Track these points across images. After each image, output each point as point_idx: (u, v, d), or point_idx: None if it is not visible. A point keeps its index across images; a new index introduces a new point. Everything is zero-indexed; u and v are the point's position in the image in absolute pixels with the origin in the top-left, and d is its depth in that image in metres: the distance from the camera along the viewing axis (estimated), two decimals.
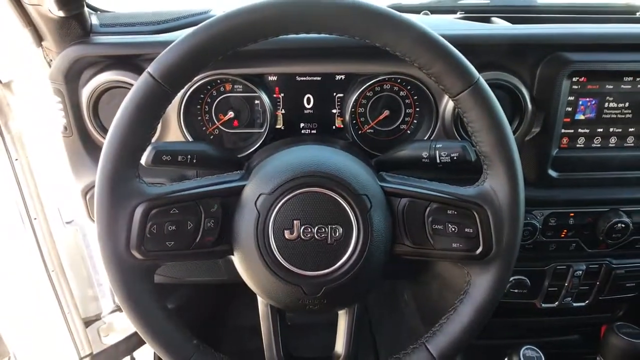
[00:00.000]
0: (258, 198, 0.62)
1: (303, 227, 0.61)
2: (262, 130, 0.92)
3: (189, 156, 0.74)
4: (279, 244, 0.61)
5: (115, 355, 1.36)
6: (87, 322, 1.35)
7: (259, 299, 0.68)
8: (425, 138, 0.91)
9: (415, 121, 0.93)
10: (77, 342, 1.33)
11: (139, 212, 0.60)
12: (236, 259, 0.65)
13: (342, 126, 0.93)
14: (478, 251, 0.63)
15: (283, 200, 0.61)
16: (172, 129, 0.88)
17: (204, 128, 0.93)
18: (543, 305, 1.05)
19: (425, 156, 0.75)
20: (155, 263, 0.63)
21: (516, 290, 1.01)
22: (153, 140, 0.76)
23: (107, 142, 0.58)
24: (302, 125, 0.94)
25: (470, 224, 0.63)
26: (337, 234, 0.61)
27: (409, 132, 0.94)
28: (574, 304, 1.06)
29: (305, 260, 0.61)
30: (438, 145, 0.74)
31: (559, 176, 0.90)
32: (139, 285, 0.62)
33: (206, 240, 0.63)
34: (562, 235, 0.94)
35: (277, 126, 0.93)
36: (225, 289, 1.63)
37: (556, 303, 1.05)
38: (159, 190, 0.62)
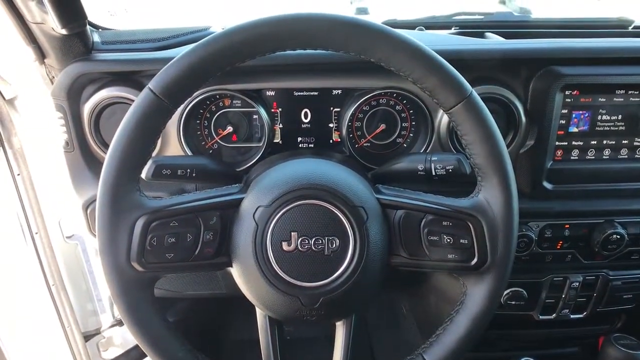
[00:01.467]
0: (256, 210, 0.63)
1: (300, 239, 0.62)
2: (261, 145, 0.93)
3: (188, 170, 0.75)
4: (276, 256, 0.62)
5: None
6: (87, 337, 1.35)
7: (258, 310, 0.68)
8: (421, 151, 0.92)
9: (411, 135, 0.94)
10: (77, 356, 1.33)
11: (139, 224, 0.61)
12: (235, 271, 0.66)
13: (339, 140, 0.95)
14: (473, 262, 0.64)
15: (281, 213, 0.62)
16: (172, 144, 0.90)
17: (203, 142, 0.94)
18: (540, 317, 1.06)
19: (421, 169, 0.76)
20: (155, 275, 0.64)
21: (513, 302, 1.01)
22: (153, 154, 0.77)
23: (108, 156, 0.60)
24: (299, 139, 0.95)
25: (465, 235, 0.64)
26: (334, 246, 0.62)
27: (405, 145, 0.95)
28: (572, 316, 1.06)
29: (302, 271, 0.62)
30: (434, 158, 0.75)
31: (554, 188, 0.91)
32: (139, 296, 0.63)
33: (205, 252, 0.64)
34: (558, 247, 0.95)
35: (275, 140, 0.95)
36: (224, 303, 1.63)
37: (554, 315, 1.05)
38: (159, 203, 0.63)
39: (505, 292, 1.01)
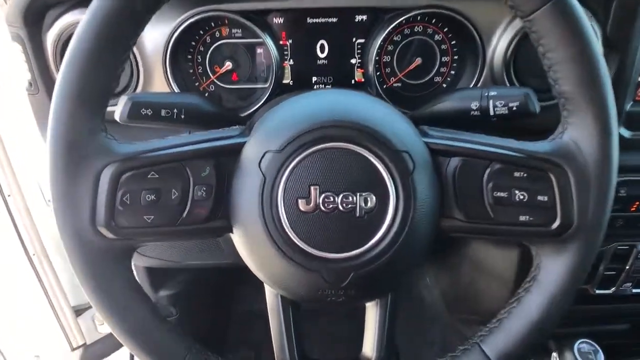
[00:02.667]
0: (263, 157, 0.47)
1: (323, 195, 0.46)
2: (267, 86, 0.76)
3: (175, 110, 0.58)
4: (291, 218, 0.46)
5: (113, 345, 1.23)
6: (79, 311, 1.23)
7: (267, 288, 0.53)
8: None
9: (452, 72, 0.77)
10: (68, 332, 1.20)
11: (106, 175, 0.46)
12: (236, 238, 0.50)
13: (363, 80, 0.78)
14: (554, 226, 0.48)
15: (297, 160, 0.46)
16: (157, 82, 0.73)
17: (196, 83, 0.77)
18: (597, 291, 0.90)
19: (475, 108, 0.59)
20: (130, 244, 0.49)
21: None
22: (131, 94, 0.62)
23: (59, 81, 0.44)
24: (314, 79, 0.78)
25: (544, 190, 0.48)
26: (369, 205, 0.46)
27: (444, 85, 0.78)
28: (634, 290, 0.90)
29: (326, 238, 0.46)
30: (492, 93, 0.58)
31: (633, 136, 0.74)
32: (111, 273, 0.48)
33: (196, 214, 0.48)
34: (633, 209, 0.78)
35: (285, 81, 0.77)
36: (230, 272, 1.49)
37: (612, 289, 0.90)
38: (134, 147, 0.48)
39: None
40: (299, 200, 0.46)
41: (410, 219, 0.47)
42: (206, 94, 0.78)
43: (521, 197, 0.48)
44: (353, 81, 0.78)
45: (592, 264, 0.50)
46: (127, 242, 0.48)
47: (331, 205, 0.46)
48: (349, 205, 0.46)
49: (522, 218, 0.49)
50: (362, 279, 0.47)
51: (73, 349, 1.22)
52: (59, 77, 0.44)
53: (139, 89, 0.73)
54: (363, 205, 0.46)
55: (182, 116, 0.59)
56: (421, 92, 0.78)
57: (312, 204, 0.46)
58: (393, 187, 0.46)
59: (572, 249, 0.49)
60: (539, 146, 0.49)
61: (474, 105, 0.59)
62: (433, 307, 1.32)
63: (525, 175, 0.48)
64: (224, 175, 0.49)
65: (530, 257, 0.53)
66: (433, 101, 0.64)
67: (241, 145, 0.49)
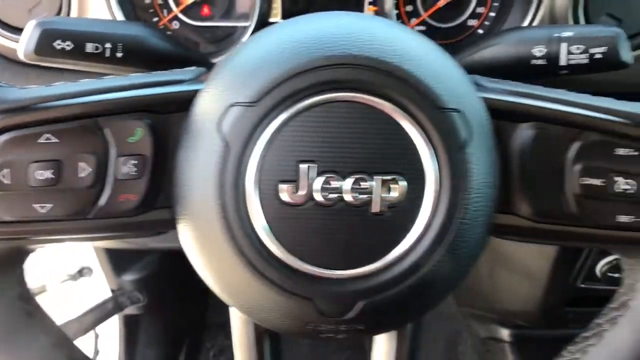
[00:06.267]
0: (226, 114, 0.29)
1: (320, 179, 0.29)
2: (248, 24, 0.57)
3: (108, 45, 0.40)
4: (268, 213, 0.29)
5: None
6: None
7: (232, 310, 0.36)
8: None
9: (491, 13, 0.59)
10: None
11: None
12: (183, 239, 0.33)
13: None
14: None
15: (280, 120, 0.29)
16: (95, 13, 0.53)
17: (155, 19, 0.58)
18: None
19: (539, 54, 0.41)
20: (18, 246, 0.32)
21: (615, 275, 0.71)
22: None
23: None
24: None
25: None
26: (394, 194, 0.29)
27: (480, 31, 0.60)
28: None
29: (322, 247, 0.29)
30: (566, 34, 0.40)
31: None
32: None
33: (120, 202, 0.31)
34: None
35: (272, 19, 0.58)
36: None
37: None
38: (19, 94, 0.30)
39: (606, 261, 0.70)
40: (281, 186, 0.29)
41: (460, 217, 0.29)
42: (169, 34, 0.59)
43: (625, 186, 0.31)
44: None
45: None
46: (11, 244, 0.31)
47: (333, 195, 0.29)
48: (362, 195, 0.29)
49: (623, 219, 0.32)
50: (375, 309, 0.30)
51: None
52: None
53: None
54: (385, 194, 0.29)
55: (119, 54, 0.41)
56: (452, 39, 0.60)
57: (302, 192, 0.29)
58: (435, 167, 0.29)
59: None
60: None
61: (538, 51, 0.41)
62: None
63: (635, 153, 0.31)
64: (166, 141, 0.32)
65: (575, 253, 0.36)
66: (473, 47, 0.46)
67: (192, 95, 0.31)
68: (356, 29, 0.30)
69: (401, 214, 0.29)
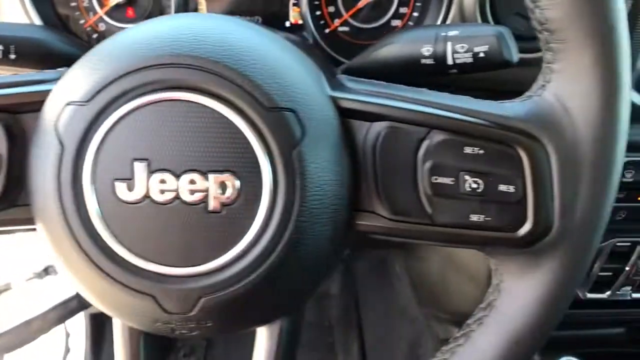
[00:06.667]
0: (62, 113, 0.30)
1: (155, 177, 0.29)
2: None
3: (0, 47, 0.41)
4: (106, 211, 0.30)
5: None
6: None
7: None
8: None
9: (414, 14, 0.58)
10: None
11: None
12: (41, 236, 0.33)
13: (299, 22, 0.59)
14: (522, 231, 0.32)
15: (112, 118, 0.29)
16: (12, 15, 0.54)
17: (81, 21, 0.59)
18: (589, 295, 0.74)
19: (427, 53, 0.41)
20: None
21: None
22: None
23: None
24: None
25: (510, 175, 0.31)
26: (229, 193, 0.29)
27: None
28: (634, 295, 0.74)
29: (159, 244, 0.30)
30: (451, 33, 0.41)
31: None
32: None
33: None
34: None
35: None
36: None
37: (607, 293, 0.74)
38: None
39: None
40: (118, 184, 0.29)
41: (297, 216, 0.30)
42: (95, 36, 0.59)
43: (474, 185, 0.31)
44: (288, 23, 0.60)
45: (577, 287, 0.34)
46: None
47: (168, 193, 0.29)
48: (197, 194, 0.29)
49: (474, 218, 0.32)
50: (220, 306, 0.30)
51: None
52: None
53: None
54: (219, 193, 0.29)
55: (12, 56, 0.42)
56: (377, 39, 0.60)
57: (137, 190, 0.29)
58: (269, 165, 0.29)
59: (549, 267, 0.32)
60: (506, 108, 0.31)
61: (426, 50, 0.41)
62: (402, 298, 1.17)
63: (481, 152, 0.31)
64: (22, 141, 0.32)
65: None
66: (375, 45, 0.46)
67: (45, 95, 0.32)
68: (193, 29, 0.30)
69: (239, 212, 0.29)
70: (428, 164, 0.32)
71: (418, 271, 1.04)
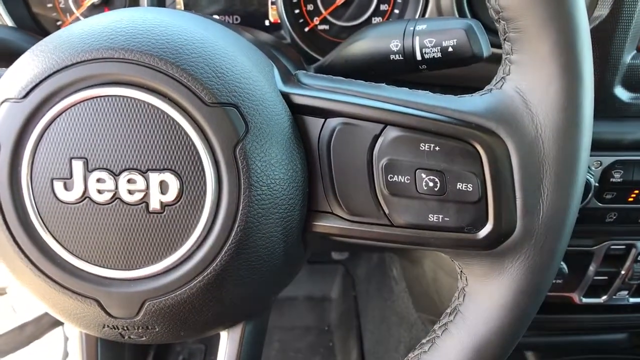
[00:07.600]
0: (0, 110, 0.29)
1: (93, 176, 0.28)
2: None
3: None
4: (44, 211, 0.29)
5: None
6: None
7: None
8: None
9: (395, 10, 0.57)
10: None
11: None
12: None
13: (279, 20, 0.58)
14: (483, 233, 0.30)
15: (49, 115, 0.28)
16: None
17: (58, 22, 0.59)
18: (584, 300, 0.72)
19: (395, 49, 0.40)
20: None
21: None
22: None
23: None
24: (215, 18, 0.59)
25: (468, 172, 0.29)
26: (170, 193, 0.28)
27: None
28: (631, 300, 0.72)
29: (100, 245, 0.29)
30: (420, 27, 0.39)
31: (633, 99, 0.54)
32: None
33: None
34: (630, 199, 0.59)
35: None
36: None
37: (604, 297, 0.72)
38: None
39: None
40: (56, 183, 0.28)
41: (244, 216, 0.28)
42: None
43: (430, 184, 0.30)
44: (267, 22, 0.59)
45: (547, 290, 0.32)
46: None
47: (107, 193, 0.28)
48: (137, 193, 0.28)
49: (433, 218, 0.30)
50: (166, 310, 0.29)
51: None
52: None
53: None
54: (160, 193, 0.28)
55: None
56: None
57: (76, 190, 0.28)
58: (211, 163, 0.28)
59: (513, 270, 0.30)
60: (463, 102, 0.30)
61: (394, 45, 0.40)
62: (400, 302, 1.15)
63: (437, 148, 0.30)
64: None
65: None
66: (344, 43, 0.45)
67: None
68: (132, 23, 0.29)
69: (182, 213, 0.28)
70: (383, 162, 0.30)
71: (413, 275, 1.02)
